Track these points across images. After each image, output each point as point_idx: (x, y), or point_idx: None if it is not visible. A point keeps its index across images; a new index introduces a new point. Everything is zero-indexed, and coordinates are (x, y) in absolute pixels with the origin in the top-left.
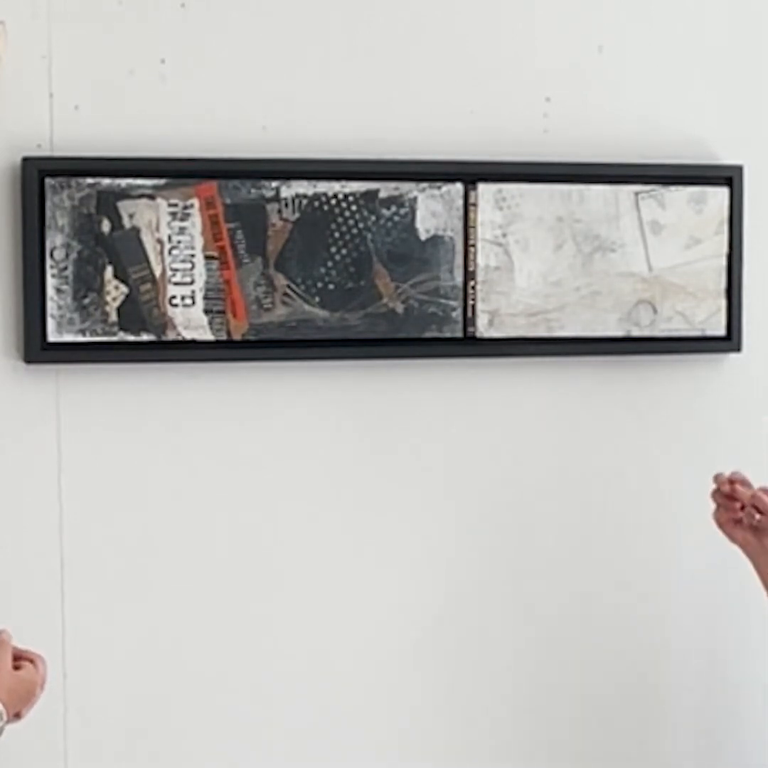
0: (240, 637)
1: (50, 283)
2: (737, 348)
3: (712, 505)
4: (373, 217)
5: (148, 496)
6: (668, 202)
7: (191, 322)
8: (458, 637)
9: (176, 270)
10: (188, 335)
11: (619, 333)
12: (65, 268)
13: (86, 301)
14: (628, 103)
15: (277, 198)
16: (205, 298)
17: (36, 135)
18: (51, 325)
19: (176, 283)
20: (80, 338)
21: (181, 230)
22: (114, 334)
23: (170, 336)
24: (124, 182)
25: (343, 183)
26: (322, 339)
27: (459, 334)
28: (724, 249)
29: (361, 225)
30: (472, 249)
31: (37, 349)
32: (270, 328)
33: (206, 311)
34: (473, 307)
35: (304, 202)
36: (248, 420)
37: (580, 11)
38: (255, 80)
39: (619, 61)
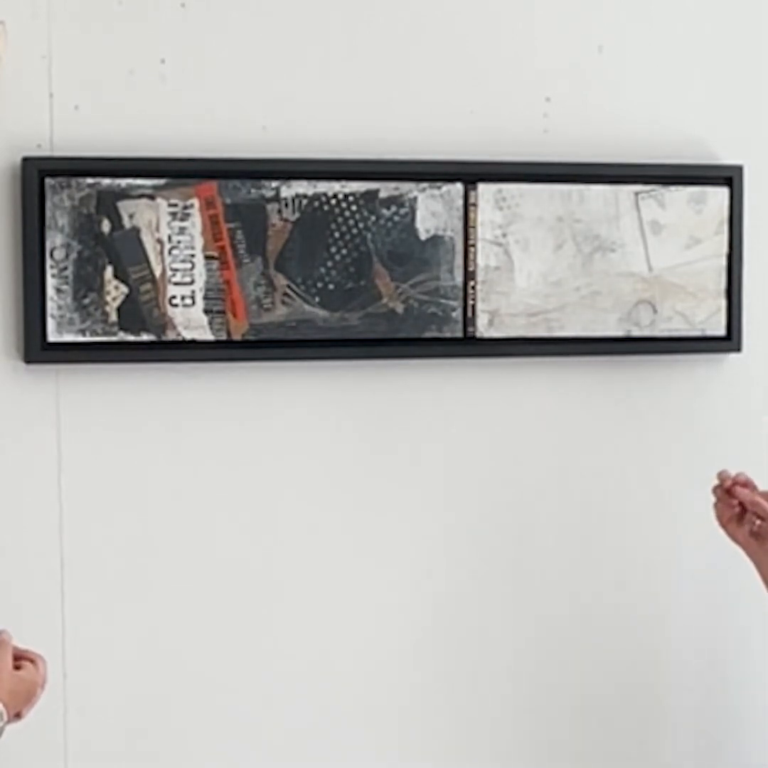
0: (240, 637)
1: (50, 283)
2: (737, 348)
3: (712, 505)
4: (373, 217)
5: (148, 496)
6: (668, 202)
7: (191, 322)
8: (458, 636)
9: (176, 270)
10: (188, 335)
11: (619, 333)
12: (65, 268)
13: (86, 301)
14: (628, 103)
15: (277, 198)
16: (205, 298)
17: (36, 135)
18: (51, 325)
19: (176, 283)
20: (80, 338)
21: (181, 230)
22: (114, 334)
23: (170, 336)
24: (124, 182)
25: (343, 183)
26: (322, 339)
27: (459, 334)
28: (724, 249)
29: (361, 225)
30: (472, 249)
31: (37, 349)
32: (270, 328)
33: (206, 311)
34: (473, 307)
35: (304, 202)
36: (248, 420)
37: (580, 11)
38: (255, 80)
39: (619, 61)
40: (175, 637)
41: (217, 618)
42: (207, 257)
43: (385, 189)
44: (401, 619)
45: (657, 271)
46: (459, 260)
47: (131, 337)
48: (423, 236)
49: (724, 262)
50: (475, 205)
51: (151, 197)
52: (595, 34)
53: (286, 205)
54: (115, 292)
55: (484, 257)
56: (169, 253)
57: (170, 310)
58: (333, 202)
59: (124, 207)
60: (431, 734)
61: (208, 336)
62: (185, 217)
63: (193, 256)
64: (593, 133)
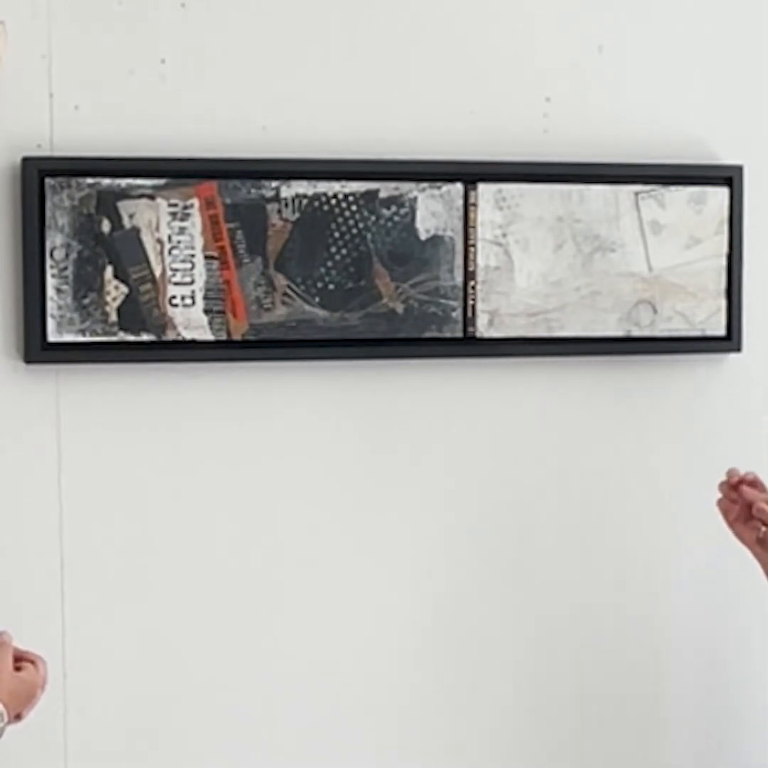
0: (240, 637)
1: (50, 283)
2: (737, 348)
3: (712, 505)
4: (373, 217)
5: (148, 496)
6: (668, 202)
7: (191, 322)
8: (458, 636)
9: (176, 270)
10: (188, 335)
11: (619, 333)
12: (65, 268)
13: (86, 301)
14: (628, 103)
15: (277, 198)
16: (205, 298)
17: (36, 135)
18: (51, 325)
19: (176, 283)
20: (80, 338)
21: (181, 230)
22: (114, 334)
23: (170, 336)
24: (124, 182)
25: (343, 183)
26: (322, 339)
27: (459, 334)
28: (724, 249)
29: (361, 225)
30: (472, 249)
31: (37, 349)
32: (270, 328)
33: (206, 311)
34: (473, 307)
35: (304, 202)
36: (248, 420)
37: (580, 11)
38: (255, 80)
39: (619, 61)
40: (175, 637)
41: (217, 618)
42: (207, 257)
43: (385, 189)
44: (401, 619)
45: (657, 271)
46: (459, 260)
47: (131, 337)
48: (423, 236)
49: (724, 262)
50: (475, 205)
51: (151, 197)
52: (595, 34)
53: (286, 205)
54: (115, 292)
55: (484, 257)
56: (169, 253)
57: (170, 310)
58: (333, 202)
59: (124, 207)
60: (431, 734)
61: (208, 336)
62: (185, 217)
63: (193, 256)
64: (593, 133)
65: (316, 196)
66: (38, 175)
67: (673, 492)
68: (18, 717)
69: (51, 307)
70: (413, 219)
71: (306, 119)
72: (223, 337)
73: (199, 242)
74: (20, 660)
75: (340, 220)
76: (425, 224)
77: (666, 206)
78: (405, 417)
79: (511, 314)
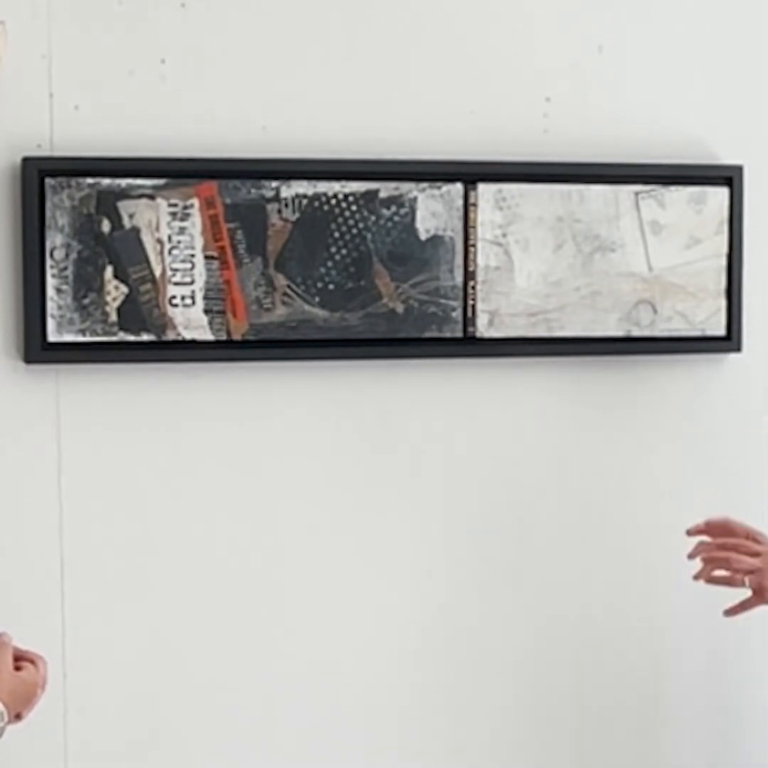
0: (240, 637)
1: (50, 283)
2: (737, 348)
3: (712, 505)
4: (373, 217)
5: (148, 496)
6: (668, 202)
7: (191, 322)
8: (458, 636)
9: (176, 270)
10: (188, 335)
11: (619, 333)
12: (65, 268)
13: (86, 301)
14: (628, 103)
15: (277, 198)
16: (205, 298)
17: (36, 135)
18: (51, 325)
19: (176, 283)
20: (80, 338)
21: (181, 230)
22: (114, 334)
23: (170, 336)
24: (124, 182)
25: (343, 183)
26: (322, 339)
27: (459, 334)
28: (724, 249)
29: (361, 225)
30: (472, 249)
31: (37, 349)
32: (270, 328)
33: (206, 311)
34: (473, 307)
35: (304, 202)
36: (248, 420)
37: (580, 11)
38: (255, 80)
39: (619, 61)
40: (175, 637)
41: (217, 618)
42: (207, 257)
43: (385, 189)
44: (401, 619)
45: (657, 271)
46: (459, 260)
47: (131, 337)
48: (423, 236)
49: (724, 262)
50: (475, 205)
51: (151, 197)
52: (595, 34)
53: (286, 205)
54: (115, 292)
55: (484, 257)
56: (169, 253)
57: (170, 310)
58: (333, 202)
59: (124, 207)
60: (431, 734)
61: (208, 336)
62: (185, 217)
63: (193, 256)
64: (593, 133)
65: (316, 196)
66: (38, 175)
67: (673, 492)
68: (18, 717)
69: (51, 307)
70: (413, 219)
71: (306, 119)
72: (223, 337)
73: (199, 242)
74: (20, 659)
75: (340, 220)
76: (425, 224)
77: (666, 206)
78: (405, 417)
79: (511, 314)
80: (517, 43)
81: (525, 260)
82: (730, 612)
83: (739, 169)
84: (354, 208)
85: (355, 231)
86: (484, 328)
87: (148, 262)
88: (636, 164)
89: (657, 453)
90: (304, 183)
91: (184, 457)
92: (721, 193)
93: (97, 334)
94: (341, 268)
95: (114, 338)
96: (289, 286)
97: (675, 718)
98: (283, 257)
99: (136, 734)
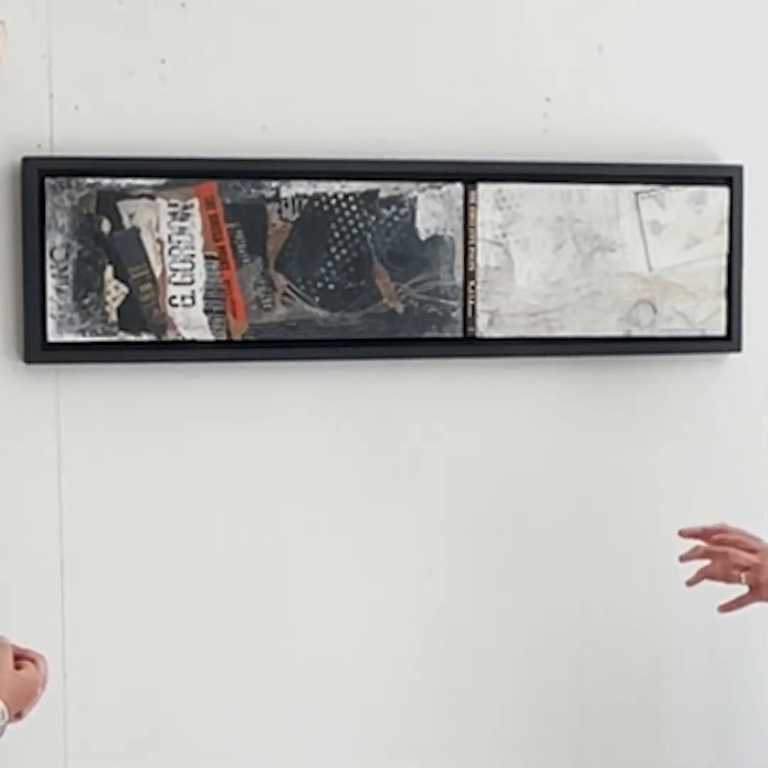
0: (240, 637)
1: (50, 283)
2: (737, 348)
3: (712, 505)
4: (373, 217)
5: (148, 496)
6: (668, 202)
7: (191, 322)
8: (458, 636)
9: (176, 270)
10: (188, 335)
11: (619, 333)
12: (65, 268)
13: (86, 301)
14: (628, 103)
15: (277, 198)
16: (205, 298)
17: (36, 135)
18: (51, 325)
19: (176, 283)
20: (80, 338)
21: (181, 230)
22: (114, 334)
23: (170, 336)
24: (124, 182)
25: (343, 183)
26: (322, 339)
27: (459, 334)
28: (724, 249)
29: (361, 225)
30: (472, 249)
31: (37, 349)
32: (270, 328)
33: (206, 311)
34: (473, 307)
35: (304, 202)
36: (248, 420)
37: (580, 11)
38: (255, 80)
39: (619, 61)
40: (175, 637)
41: (217, 618)
42: (207, 257)
43: (385, 189)
44: (401, 619)
45: (657, 271)
46: (459, 260)
47: (131, 337)
48: (423, 236)
49: (724, 262)
50: (475, 205)
51: (151, 197)
52: (595, 34)
53: (286, 205)
54: (115, 292)
55: (484, 257)
56: (169, 253)
57: (170, 310)
58: (333, 202)
59: (124, 207)
60: (431, 734)
61: (208, 336)
62: (185, 217)
63: (193, 256)
64: (593, 133)
65: (316, 196)
66: (38, 175)
67: (673, 492)
68: (19, 716)
69: (51, 307)
70: (413, 219)
71: (306, 119)
72: (223, 337)
73: (199, 242)
74: (21, 658)
75: (340, 220)
76: (425, 224)
77: (666, 206)
78: (405, 417)
79: (511, 314)
80: (517, 43)
81: (525, 260)
82: (726, 608)
83: (739, 169)
84: (354, 208)
85: (355, 231)
86: (484, 328)
87: (148, 262)
88: (636, 164)
89: (657, 453)
90: (304, 183)
91: (184, 457)
92: (721, 193)
93: (97, 334)
94: (341, 268)
95: (114, 338)
96: (289, 286)
97: (675, 718)
98: (283, 257)
99: (136, 734)
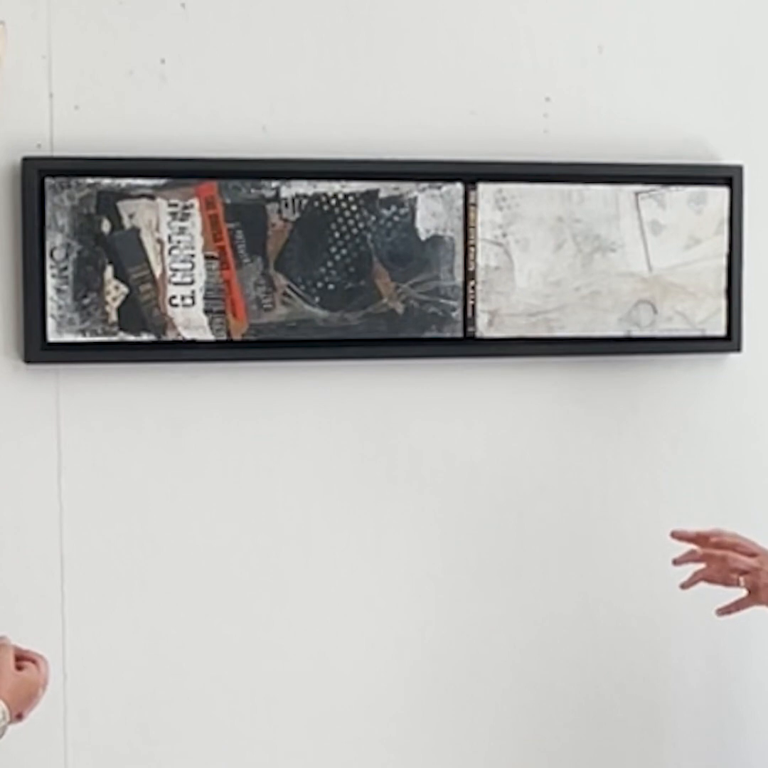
0: (239, 637)
1: (50, 283)
2: (737, 348)
3: (712, 505)
4: (373, 217)
5: (148, 496)
6: (668, 202)
7: (191, 322)
8: (458, 636)
9: (176, 270)
10: (188, 335)
11: (619, 333)
12: (65, 268)
13: (86, 301)
14: (628, 103)
15: (277, 198)
16: (205, 298)
17: (36, 135)
18: (51, 325)
19: (176, 283)
20: (80, 338)
21: (181, 230)
22: (114, 334)
23: (170, 336)
24: (124, 182)
25: (343, 183)
26: (322, 339)
27: (459, 334)
28: (724, 249)
29: (361, 225)
30: (472, 249)
31: (37, 349)
32: (270, 328)
33: (206, 311)
34: (473, 307)
35: (304, 202)
36: (248, 420)
37: (580, 11)
38: (255, 80)
39: (619, 61)
40: (174, 637)
41: (216, 618)
42: (207, 257)
43: (385, 189)
44: (401, 618)
45: (657, 271)
46: (459, 260)
47: (131, 337)
48: (423, 236)
49: (724, 262)
50: (475, 205)
51: (151, 197)
52: (595, 34)
53: (286, 205)
54: (115, 292)
55: (484, 257)
56: (169, 253)
57: (170, 310)
58: (333, 202)
59: (124, 207)
60: (431, 734)
61: (208, 336)
62: (185, 217)
63: (193, 256)
64: (593, 133)
65: (316, 196)
66: (38, 175)
67: (672, 492)
68: (19, 716)
69: (51, 307)
70: (413, 219)
71: (306, 119)
72: (223, 337)
73: (199, 242)
74: (21, 659)
75: (340, 220)
76: (425, 224)
77: (666, 206)
78: (405, 417)
79: (511, 314)
80: (517, 43)
81: (525, 260)
82: (724, 611)
83: (739, 169)
84: (354, 208)
85: (355, 231)
86: (484, 328)
87: (148, 262)
88: (636, 164)
89: (657, 453)
90: (304, 183)
91: (184, 457)
92: (721, 193)
93: (97, 334)
94: (341, 268)
95: (114, 338)
96: (289, 286)
97: (675, 718)
98: (283, 257)
99: (136, 734)
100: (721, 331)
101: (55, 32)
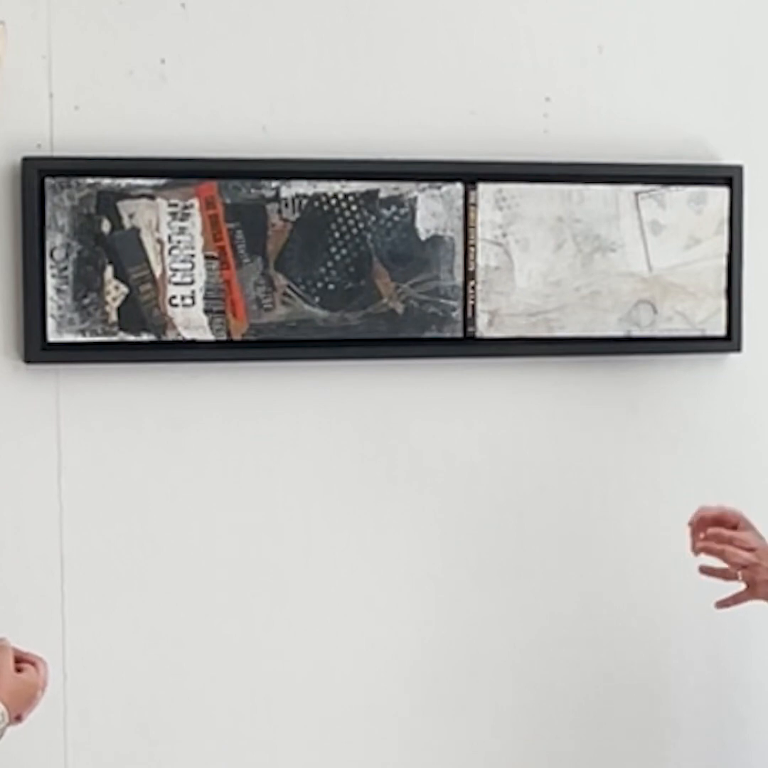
0: (240, 637)
1: (50, 283)
2: (737, 348)
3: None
4: (373, 217)
5: (148, 496)
6: (668, 202)
7: (191, 322)
8: (458, 636)
9: (176, 270)
10: (188, 335)
11: (619, 333)
12: (65, 268)
13: (86, 301)
14: (628, 103)
15: (277, 198)
16: (205, 298)
17: (36, 135)
18: (51, 325)
19: (176, 283)
20: (80, 338)
21: (181, 230)
22: (114, 334)
23: (170, 336)
24: (124, 182)
25: (343, 183)
26: (322, 339)
27: (459, 334)
28: (724, 249)
29: (361, 225)
30: (472, 249)
31: (37, 349)
32: (270, 328)
33: (206, 311)
34: (473, 307)
35: (304, 202)
36: (248, 420)
37: (580, 11)
38: (255, 80)
39: (619, 61)
40: (174, 637)
41: (216, 618)
42: (207, 257)
43: (385, 189)
44: (401, 618)
45: (657, 271)
46: (459, 260)
47: (131, 337)
48: (423, 236)
49: (724, 262)
50: (475, 205)
51: (151, 197)
52: (595, 34)
53: (286, 205)
54: (115, 292)
55: (484, 257)
56: (169, 253)
57: (170, 310)
58: (333, 202)
59: (124, 207)
60: (431, 734)
61: (208, 336)
62: (185, 217)
63: (193, 256)
64: (593, 133)
65: (316, 196)
66: (38, 175)
67: (672, 492)
68: (19, 718)
69: (51, 307)
70: (413, 219)
71: (306, 119)
72: (223, 337)
73: (199, 242)
74: (21, 661)
75: (340, 220)
76: (425, 224)
77: (666, 206)
78: (405, 417)
79: (511, 314)
80: (517, 43)
81: (525, 260)
82: (722, 604)
83: (739, 169)
84: (354, 208)
85: (355, 231)
86: (484, 328)
87: (148, 262)
88: (636, 164)
89: (657, 453)
90: (304, 183)
91: (184, 457)
92: (721, 193)
93: (97, 334)
94: (341, 268)
95: (114, 338)
96: (289, 286)
97: (676, 717)
98: (283, 257)
99: (136, 734)
100: (721, 331)
101: (55, 32)
